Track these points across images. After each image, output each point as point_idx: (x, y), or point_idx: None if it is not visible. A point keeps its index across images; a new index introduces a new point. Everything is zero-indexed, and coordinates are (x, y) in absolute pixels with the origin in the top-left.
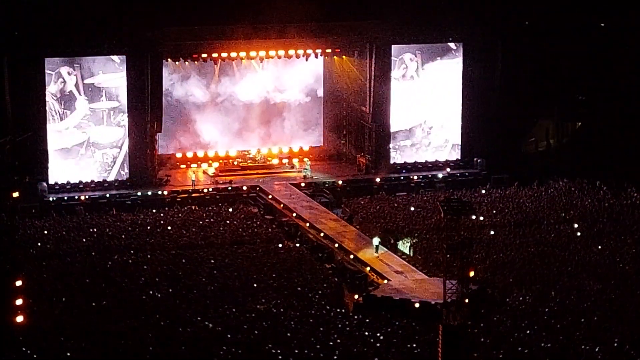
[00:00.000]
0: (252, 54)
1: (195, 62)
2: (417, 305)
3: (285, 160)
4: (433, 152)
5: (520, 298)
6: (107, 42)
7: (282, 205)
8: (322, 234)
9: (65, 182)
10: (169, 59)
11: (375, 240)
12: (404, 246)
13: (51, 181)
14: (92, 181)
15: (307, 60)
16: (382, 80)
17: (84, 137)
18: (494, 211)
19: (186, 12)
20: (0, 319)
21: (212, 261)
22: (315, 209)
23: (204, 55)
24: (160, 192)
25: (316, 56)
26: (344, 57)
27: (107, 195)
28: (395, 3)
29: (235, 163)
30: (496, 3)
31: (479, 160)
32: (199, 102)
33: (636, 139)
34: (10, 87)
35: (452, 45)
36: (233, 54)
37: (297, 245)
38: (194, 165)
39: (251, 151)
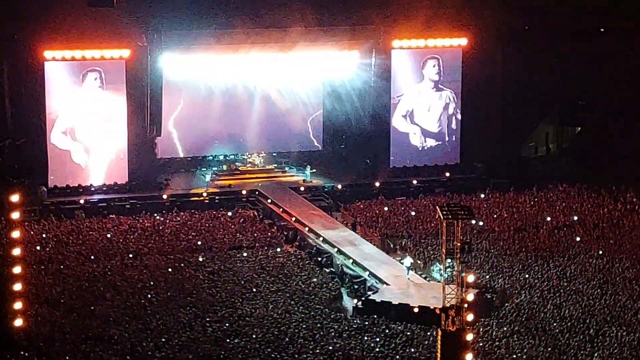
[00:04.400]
0: (253, 56)
1: (196, 64)
2: (416, 309)
3: (283, 165)
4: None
5: (519, 303)
6: (107, 45)
7: (281, 210)
8: (321, 239)
9: (64, 186)
10: (169, 62)
11: (407, 262)
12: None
13: (50, 185)
14: (92, 185)
15: (307, 63)
16: (382, 84)
17: (84, 139)
18: (494, 216)
19: (187, 15)
20: (0, 323)
21: (211, 265)
22: (315, 213)
23: (205, 57)
24: (159, 196)
25: (317, 59)
26: (344, 59)
27: (107, 199)
28: (396, 6)
29: (234, 167)
30: (497, 7)
31: (478, 165)
32: (199, 105)
33: (636, 143)
34: (10, 90)
35: (452, 49)
36: (234, 57)
37: (297, 249)
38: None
39: (250, 155)
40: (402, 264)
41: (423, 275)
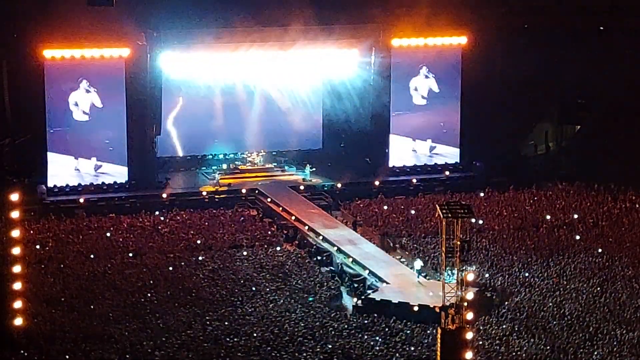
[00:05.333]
0: (253, 54)
1: (195, 63)
2: (415, 308)
3: (283, 164)
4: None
5: (519, 301)
6: (106, 44)
7: (281, 208)
8: (321, 237)
9: (64, 185)
10: (169, 60)
11: (417, 264)
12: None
13: (50, 184)
14: (91, 183)
15: (307, 61)
16: (382, 82)
17: (83, 138)
18: (493, 214)
19: (186, 13)
20: (0, 322)
21: (211, 264)
22: (314, 212)
23: (205, 55)
24: (159, 195)
25: (317, 57)
26: (344, 57)
27: (106, 198)
28: (396, 4)
29: (234, 166)
30: (496, 6)
31: (477, 164)
32: (199, 104)
33: (635, 142)
34: (9, 90)
35: (451, 48)
36: (233, 55)
37: (296, 248)
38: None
39: (250, 154)
40: (411, 267)
41: (423, 274)
